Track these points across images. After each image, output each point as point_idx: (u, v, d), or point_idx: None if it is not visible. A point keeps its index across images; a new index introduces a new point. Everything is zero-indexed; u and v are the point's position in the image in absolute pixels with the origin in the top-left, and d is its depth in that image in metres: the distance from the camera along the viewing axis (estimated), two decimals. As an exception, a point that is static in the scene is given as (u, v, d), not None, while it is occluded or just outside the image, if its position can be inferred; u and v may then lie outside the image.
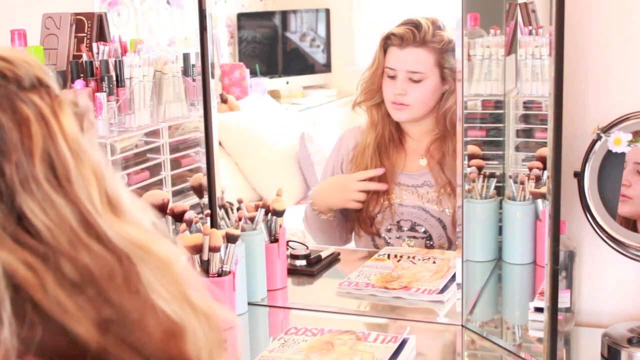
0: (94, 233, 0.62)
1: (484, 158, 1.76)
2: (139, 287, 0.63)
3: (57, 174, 0.62)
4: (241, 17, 3.84)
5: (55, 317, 0.61)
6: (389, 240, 1.97)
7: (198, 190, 1.71)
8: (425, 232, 1.95)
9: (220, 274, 1.49)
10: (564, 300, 1.48)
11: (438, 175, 1.97)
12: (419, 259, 1.83)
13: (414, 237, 1.95)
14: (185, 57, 1.72)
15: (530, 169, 1.68)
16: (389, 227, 1.97)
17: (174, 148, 1.70)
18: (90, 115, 0.70)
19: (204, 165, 1.76)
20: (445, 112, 1.93)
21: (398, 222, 1.97)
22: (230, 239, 1.51)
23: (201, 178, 1.70)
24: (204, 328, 0.67)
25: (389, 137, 2.02)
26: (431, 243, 1.94)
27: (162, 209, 1.55)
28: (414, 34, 1.91)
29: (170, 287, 0.65)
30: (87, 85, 1.53)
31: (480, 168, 1.75)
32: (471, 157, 1.72)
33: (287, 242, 1.81)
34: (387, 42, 1.97)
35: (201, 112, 1.73)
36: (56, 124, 0.64)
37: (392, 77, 1.95)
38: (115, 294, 0.62)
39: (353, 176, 2.01)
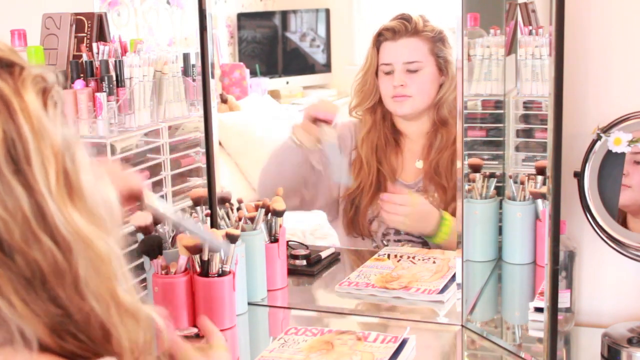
0: (44, 223, 0.62)
1: (484, 158, 1.76)
2: (79, 284, 0.63)
3: (17, 156, 0.61)
4: (241, 17, 3.84)
5: (8, 320, 0.61)
6: (386, 245, 1.97)
7: (197, 204, 1.69)
8: (409, 240, 1.95)
9: (220, 274, 1.49)
10: (564, 300, 1.48)
11: (432, 178, 1.97)
12: (419, 259, 1.83)
13: (411, 241, 1.95)
14: (185, 57, 1.72)
15: (539, 170, 1.67)
16: (385, 232, 1.97)
17: (174, 148, 1.70)
18: (58, 91, 0.68)
19: (204, 165, 1.76)
20: (439, 105, 1.94)
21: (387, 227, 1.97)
22: (230, 239, 1.51)
23: (200, 192, 1.69)
24: (128, 329, 0.66)
25: (385, 140, 2.01)
26: (428, 246, 1.94)
27: (154, 228, 1.55)
28: (405, 25, 1.93)
29: (100, 285, 0.65)
30: (87, 85, 1.53)
31: (477, 169, 1.74)
32: (472, 167, 1.72)
33: (287, 242, 1.81)
34: (380, 38, 1.97)
35: (201, 112, 1.73)
36: (18, 103, 0.62)
37: (388, 73, 1.96)
38: (62, 292, 0.62)
39: None
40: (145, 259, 1.55)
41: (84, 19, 1.67)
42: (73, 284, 0.63)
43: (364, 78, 2.01)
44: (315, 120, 1.99)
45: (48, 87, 0.66)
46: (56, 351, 0.63)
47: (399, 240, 1.96)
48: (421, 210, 1.88)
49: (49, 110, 0.65)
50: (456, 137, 1.93)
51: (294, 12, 3.95)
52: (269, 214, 1.70)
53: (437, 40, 1.94)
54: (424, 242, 1.94)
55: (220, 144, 2.02)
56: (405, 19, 1.95)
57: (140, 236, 1.53)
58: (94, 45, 1.61)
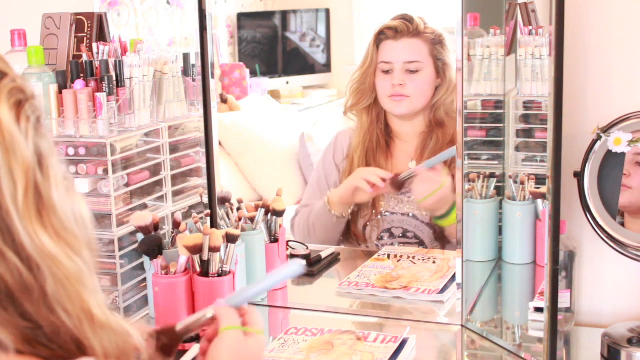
0: (10, 239, 0.61)
1: (483, 158, 1.76)
2: (48, 300, 0.63)
3: None
4: (241, 17, 3.84)
5: None
6: (381, 248, 1.96)
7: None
8: (416, 237, 1.95)
9: (220, 274, 1.49)
10: (564, 300, 1.48)
11: None
12: (419, 259, 1.83)
13: (407, 244, 1.96)
14: (185, 57, 1.72)
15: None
16: (380, 236, 1.97)
17: (174, 148, 1.70)
18: (34, 104, 0.66)
19: (204, 165, 1.76)
20: (435, 107, 1.95)
21: (389, 229, 1.97)
22: (230, 239, 1.51)
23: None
24: (101, 341, 0.66)
25: (377, 142, 2.01)
26: (425, 247, 1.94)
27: (153, 228, 1.54)
28: (407, 25, 1.94)
29: (70, 301, 0.64)
30: (87, 85, 1.53)
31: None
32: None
33: (287, 242, 1.81)
34: (381, 37, 1.98)
35: (201, 112, 1.73)
36: None
37: (387, 72, 1.96)
38: (30, 307, 0.62)
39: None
40: (145, 259, 1.55)
41: (84, 19, 1.67)
42: (42, 300, 0.62)
43: (363, 76, 2.01)
44: (357, 189, 1.96)
45: (23, 100, 0.65)
46: (33, 355, 0.63)
47: (392, 244, 1.96)
48: (445, 193, 1.87)
49: (22, 123, 0.64)
50: (453, 138, 1.95)
51: (294, 12, 3.95)
52: (269, 214, 1.70)
53: (436, 43, 1.95)
54: (420, 242, 1.94)
55: (220, 144, 2.02)
56: (407, 19, 1.96)
57: (140, 236, 1.53)
58: (94, 45, 1.61)
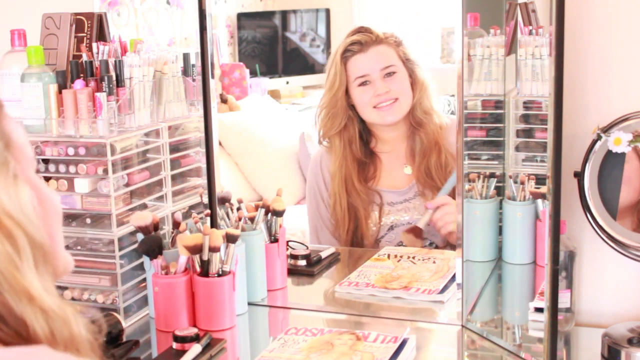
0: None
1: (483, 158, 1.77)
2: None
3: None
4: (241, 17, 3.84)
5: None
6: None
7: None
8: (431, 243, 1.95)
9: (220, 274, 1.49)
10: (564, 300, 1.48)
11: (426, 182, 1.96)
12: (419, 259, 1.83)
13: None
14: (185, 57, 1.72)
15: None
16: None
17: (174, 148, 1.70)
18: None
19: (204, 165, 1.76)
20: (413, 107, 1.95)
21: (401, 242, 1.96)
22: (230, 239, 1.51)
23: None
24: (41, 322, 0.67)
25: (355, 164, 1.98)
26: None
27: (153, 228, 1.54)
28: (369, 36, 1.96)
29: (8, 281, 0.66)
30: (87, 85, 1.53)
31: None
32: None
33: (287, 242, 1.81)
34: (346, 54, 1.98)
35: (201, 112, 1.73)
36: None
37: (364, 84, 1.95)
38: None
39: None
40: (145, 259, 1.55)
41: (83, 18, 1.67)
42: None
43: (332, 100, 1.99)
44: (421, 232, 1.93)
45: None
46: None
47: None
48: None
49: None
50: (436, 137, 1.95)
51: (294, 12, 3.95)
52: (269, 214, 1.70)
53: (399, 45, 1.98)
54: (434, 247, 1.93)
55: (220, 144, 2.02)
56: (364, 30, 1.97)
57: (140, 236, 1.53)
58: (94, 45, 1.61)
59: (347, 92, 1.98)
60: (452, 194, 1.85)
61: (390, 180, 2.01)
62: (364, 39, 1.96)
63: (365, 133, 2.02)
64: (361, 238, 1.99)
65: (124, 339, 1.43)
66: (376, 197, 1.99)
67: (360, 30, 1.98)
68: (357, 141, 2.00)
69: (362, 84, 1.96)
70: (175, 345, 1.40)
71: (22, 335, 0.66)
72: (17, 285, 0.67)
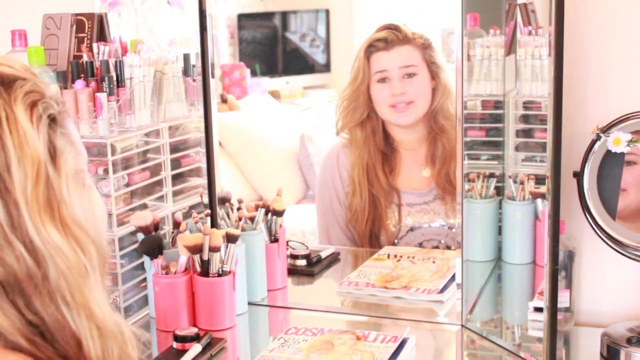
0: (18, 230, 0.63)
1: (483, 158, 1.77)
2: (52, 292, 0.64)
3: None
4: (241, 17, 3.85)
5: None
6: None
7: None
8: (449, 248, 1.94)
9: (220, 274, 1.50)
10: (563, 300, 1.49)
11: (445, 187, 1.95)
12: (419, 259, 1.84)
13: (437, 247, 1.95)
14: (186, 57, 1.72)
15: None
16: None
17: (174, 148, 1.70)
18: (51, 104, 0.70)
19: (204, 165, 1.76)
20: (434, 111, 1.94)
21: (420, 243, 1.96)
22: (230, 239, 1.51)
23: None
24: (95, 341, 0.67)
25: (378, 156, 1.98)
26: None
27: (154, 228, 1.54)
28: (396, 34, 1.94)
29: (72, 295, 0.65)
30: (87, 86, 1.53)
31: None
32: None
33: (287, 242, 1.81)
34: (371, 49, 1.97)
35: (201, 112, 1.74)
36: (5, 114, 0.65)
37: (383, 80, 1.95)
38: (36, 299, 0.64)
39: None
40: (145, 259, 1.56)
41: (84, 19, 1.67)
42: (47, 292, 0.64)
43: (355, 92, 1.98)
44: None
45: (38, 101, 0.68)
46: (29, 353, 0.64)
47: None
48: None
49: (34, 121, 0.67)
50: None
51: (294, 12, 3.95)
52: (269, 214, 1.70)
53: (426, 47, 1.96)
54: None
55: (220, 144, 2.02)
56: (393, 28, 1.95)
57: (140, 236, 1.53)
58: (95, 45, 1.62)
59: (369, 87, 1.98)
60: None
61: (409, 181, 2.00)
62: (390, 37, 1.94)
63: (386, 129, 2.02)
64: (379, 230, 1.98)
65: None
66: (395, 197, 1.99)
67: (388, 27, 1.96)
68: (381, 132, 1.99)
69: (381, 80, 1.95)
70: (175, 344, 1.40)
71: (64, 355, 0.65)
72: (81, 299, 0.66)
